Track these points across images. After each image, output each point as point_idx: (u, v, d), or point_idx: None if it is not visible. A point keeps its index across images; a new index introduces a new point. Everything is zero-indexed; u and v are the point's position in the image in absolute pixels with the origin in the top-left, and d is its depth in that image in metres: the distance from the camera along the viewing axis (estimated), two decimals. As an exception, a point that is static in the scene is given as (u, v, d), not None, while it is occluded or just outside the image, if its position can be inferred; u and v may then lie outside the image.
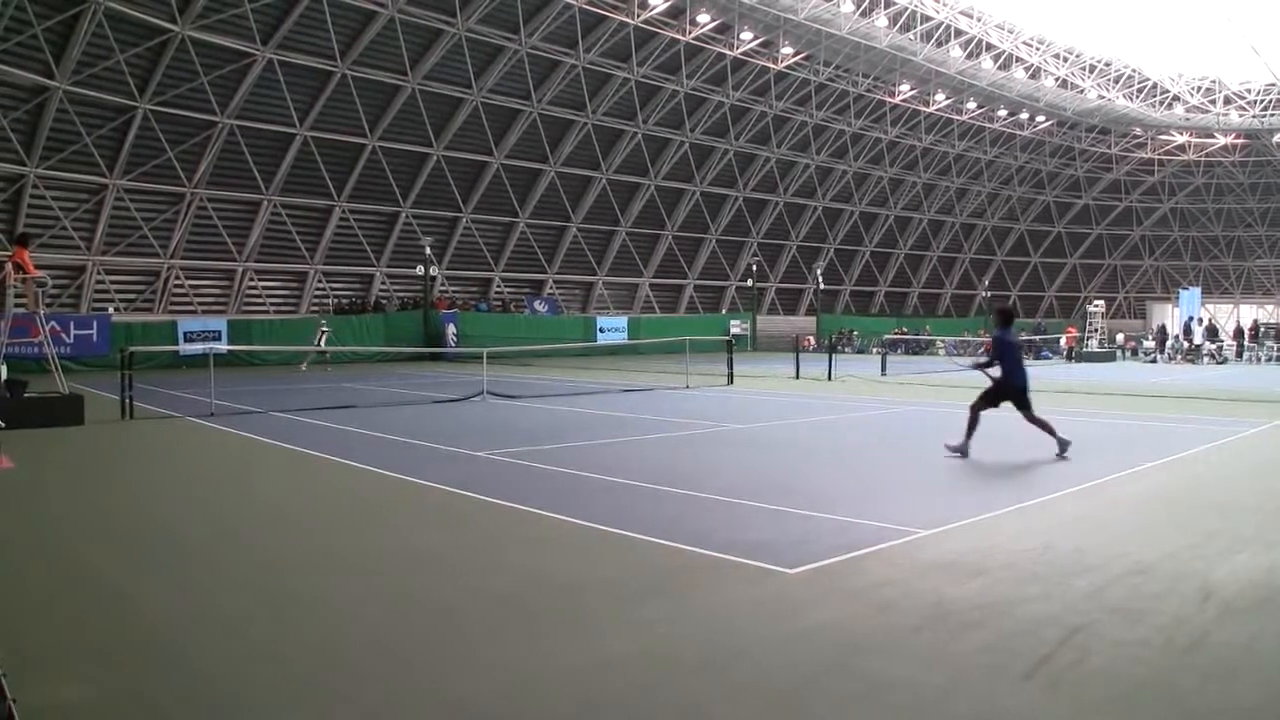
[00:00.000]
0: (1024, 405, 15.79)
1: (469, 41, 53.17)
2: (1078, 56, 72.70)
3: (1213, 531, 10.28)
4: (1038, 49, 70.33)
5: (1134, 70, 76.03)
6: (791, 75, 65.83)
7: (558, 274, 70.03)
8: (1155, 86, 77.76)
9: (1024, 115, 77.78)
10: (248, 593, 8.31)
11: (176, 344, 45.36)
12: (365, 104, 53.76)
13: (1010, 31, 67.79)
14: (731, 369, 34.68)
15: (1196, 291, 70.66)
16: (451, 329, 54.85)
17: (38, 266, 24.25)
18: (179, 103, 47.65)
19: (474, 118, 58.14)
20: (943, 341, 68.90)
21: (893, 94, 70.84)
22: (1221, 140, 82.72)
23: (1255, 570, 8.66)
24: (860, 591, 8.07)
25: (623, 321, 67.11)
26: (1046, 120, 79.43)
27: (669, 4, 55.47)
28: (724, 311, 77.38)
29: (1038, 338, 65.73)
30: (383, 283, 61.43)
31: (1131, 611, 7.40)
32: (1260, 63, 71.35)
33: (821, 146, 75.90)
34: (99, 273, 49.81)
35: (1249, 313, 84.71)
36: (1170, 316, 79.63)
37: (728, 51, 61.04)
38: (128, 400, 22.84)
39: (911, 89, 70.60)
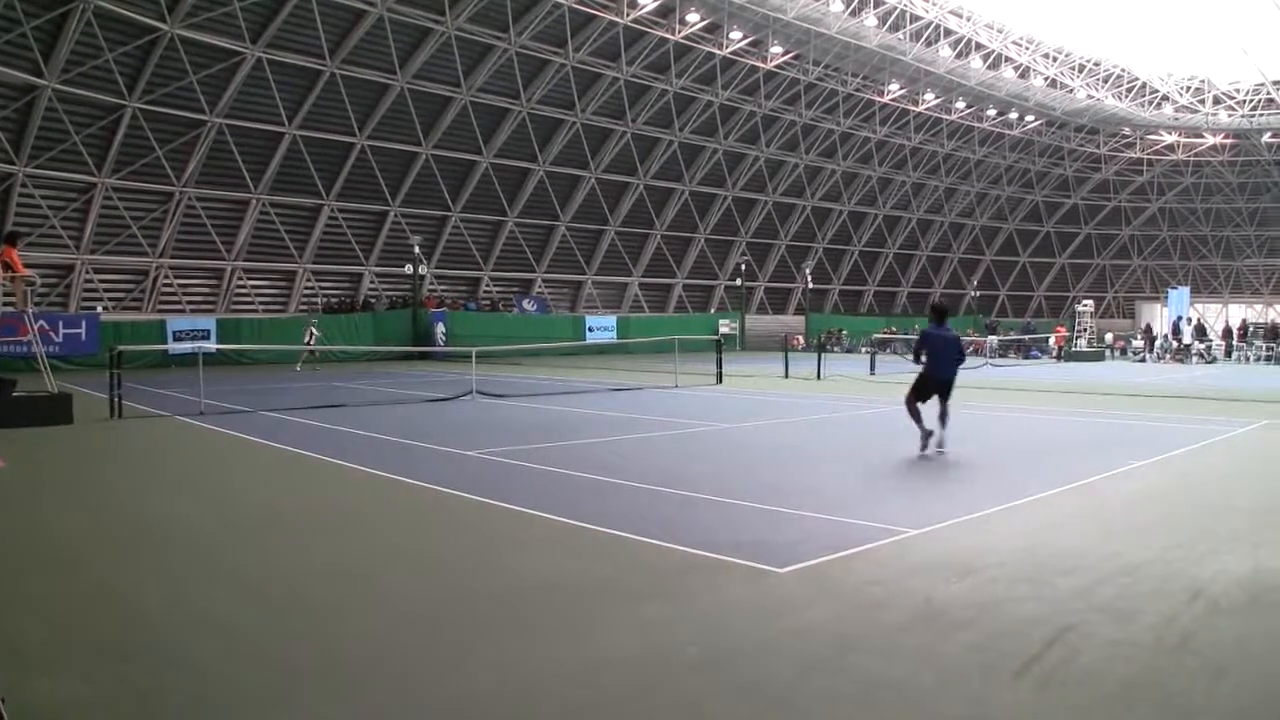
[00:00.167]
0: (944, 397, 16.01)
1: (458, 40, 53.11)
2: (1067, 56, 72.76)
3: (1201, 531, 10.32)
4: (1027, 48, 70.36)
5: (1123, 70, 76.12)
6: (780, 75, 65.81)
7: (546, 273, 70.01)
8: (1144, 86, 77.86)
9: (1013, 115, 77.84)
10: (240, 592, 8.31)
11: (165, 343, 45.29)
12: (354, 103, 53.69)
13: (999, 31, 67.82)
14: (720, 368, 34.66)
15: (1185, 291, 70.79)
16: (440, 328, 54.83)
17: (26, 265, 24.20)
18: (168, 101, 47.56)
19: (463, 117, 58.09)
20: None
21: (882, 93, 70.85)
22: (1210, 140, 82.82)
23: (1243, 570, 8.70)
24: (851, 591, 8.10)
25: (612, 321, 67.10)
26: (1035, 120, 79.49)
27: (658, 3, 55.40)
28: (713, 311, 77.36)
29: (1027, 337, 65.91)
30: (371, 282, 61.39)
31: (1120, 611, 7.43)
32: (1249, 63, 71.61)
33: (810, 146, 75.93)
34: (88, 271, 49.72)
35: (1238, 312, 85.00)
36: (1159, 316, 79.80)
37: (717, 51, 61.02)
38: (116, 399, 22.81)
39: (900, 88, 70.62)
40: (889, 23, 61.71)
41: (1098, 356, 57.45)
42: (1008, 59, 69.56)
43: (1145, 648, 6.62)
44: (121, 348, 25.97)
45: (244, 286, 56.37)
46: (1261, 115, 77.52)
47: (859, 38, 62.20)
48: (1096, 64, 74.47)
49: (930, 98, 72.82)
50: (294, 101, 51.88)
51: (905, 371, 40.18)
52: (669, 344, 39.16)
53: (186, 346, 43.15)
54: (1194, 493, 13.02)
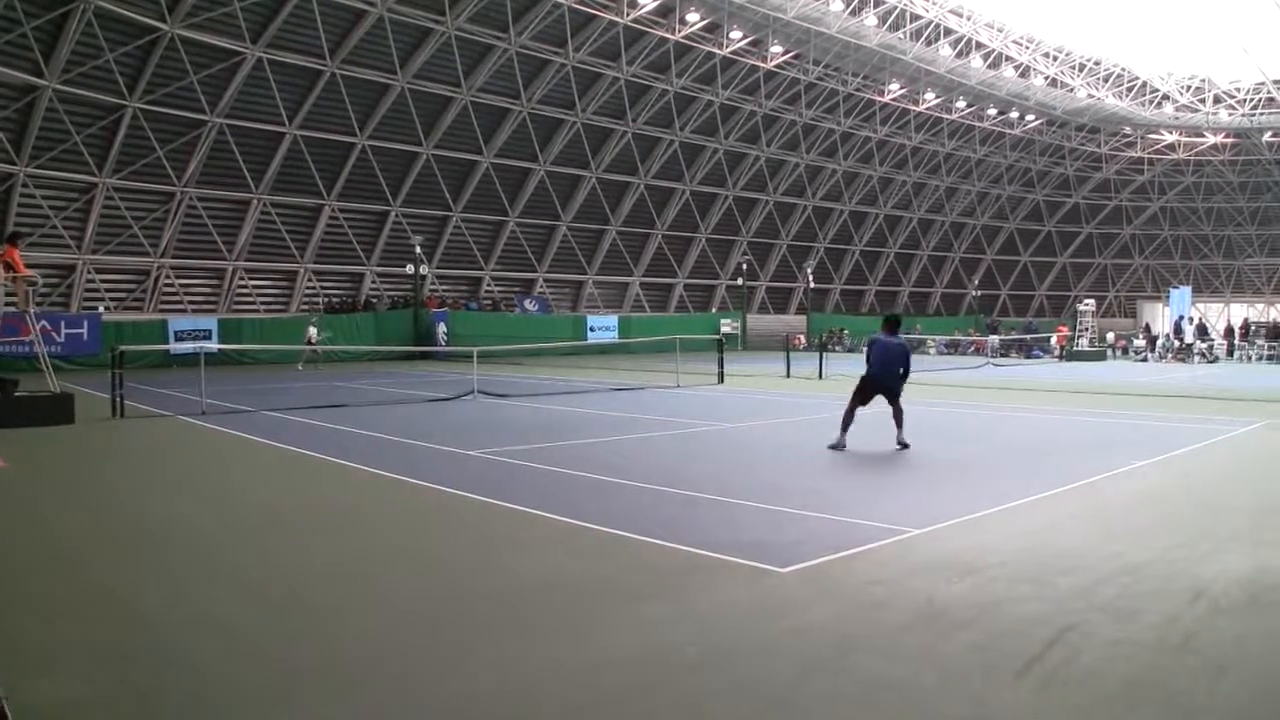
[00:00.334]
0: (893, 398, 16.66)
1: (458, 40, 53.11)
2: (1067, 55, 72.72)
3: (1202, 531, 10.32)
4: (1027, 48, 70.33)
5: (1123, 69, 76.09)
6: (781, 74, 65.78)
7: (548, 273, 70.00)
8: (1145, 85, 77.82)
9: (1013, 114, 77.79)
10: (241, 592, 8.32)
11: (167, 343, 45.37)
12: (355, 103, 53.69)
13: (1000, 30, 67.79)
14: (722, 368, 34.64)
15: (1187, 290, 70.81)
16: (442, 328, 54.83)
17: (28, 265, 24.22)
18: (169, 101, 47.57)
19: (463, 117, 58.09)
20: (933, 340, 68.95)
21: (882, 93, 70.80)
22: (1211, 139, 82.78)
23: (1244, 569, 8.70)
24: (851, 591, 8.11)
25: (613, 320, 67.11)
26: (1036, 119, 79.45)
27: (658, 3, 55.38)
28: (714, 310, 77.28)
29: (1028, 337, 65.87)
30: (373, 282, 61.39)
31: (1122, 610, 7.44)
32: (1250, 62, 71.62)
33: (811, 145, 75.90)
34: (89, 272, 49.75)
35: (1239, 311, 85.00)
36: (1161, 315, 79.82)
37: (717, 50, 60.99)
38: (118, 399, 22.85)
39: (901, 88, 70.58)
40: (889, 22, 61.70)
41: (1099, 356, 57.40)
42: (1008, 58, 69.54)
43: (1147, 647, 6.62)
44: (123, 348, 26.03)
45: (245, 286, 56.38)
46: (1262, 114, 77.49)
47: (859, 37, 62.19)
48: (1097, 63, 74.45)
49: (931, 97, 72.80)
50: (294, 101, 51.88)
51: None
52: (670, 344, 39.15)
53: (188, 346, 43.21)
54: (1195, 492, 13.02)
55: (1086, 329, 61.84)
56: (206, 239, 53.53)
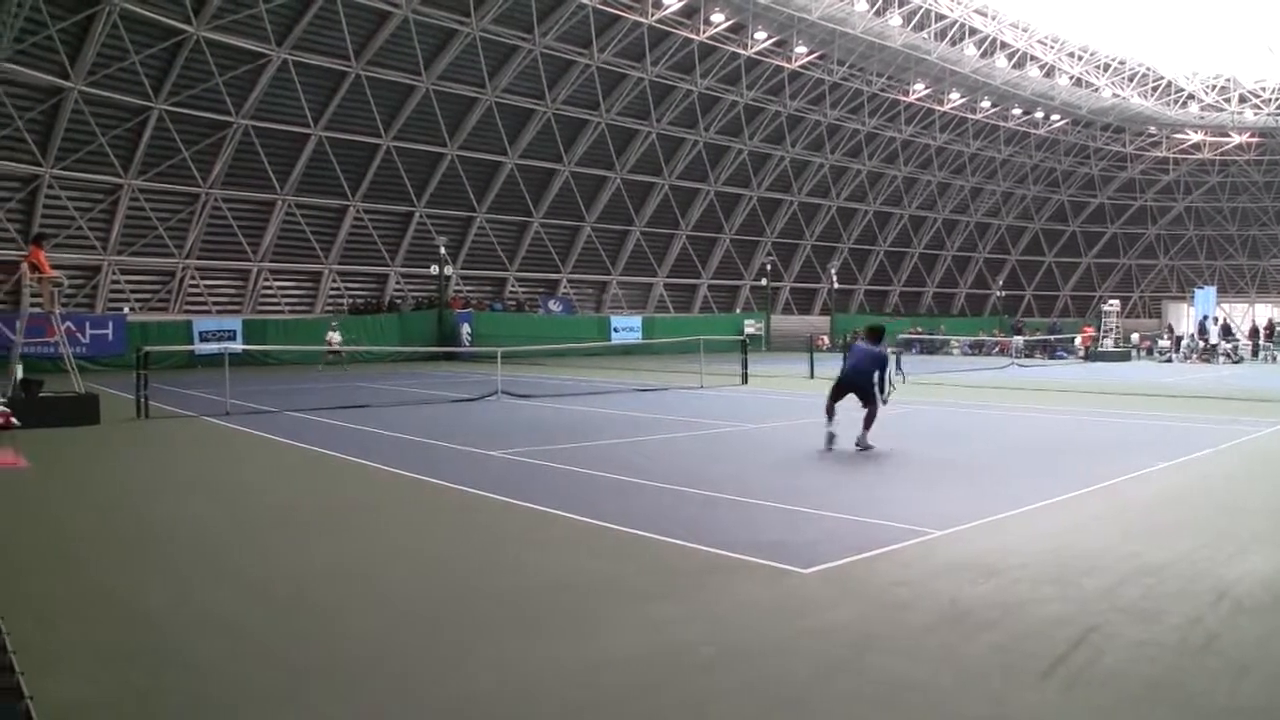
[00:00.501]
0: (865, 400, 17.00)
1: (483, 41, 53.19)
2: (1092, 55, 72.53)
3: (1225, 532, 10.27)
4: (1052, 47, 70.17)
5: (1148, 69, 75.83)
6: (805, 75, 65.72)
7: (572, 274, 70.04)
8: (1170, 85, 77.53)
9: (1038, 114, 77.60)
10: (247, 592, 8.37)
11: (192, 343, 45.54)
12: (379, 104, 53.80)
13: (1024, 30, 67.65)
14: (746, 369, 34.64)
15: (1212, 291, 70.51)
16: (466, 329, 54.90)
17: (53, 266, 24.35)
18: (194, 103, 47.74)
19: (488, 117, 58.17)
20: (958, 341, 68.83)
21: (907, 93, 70.69)
22: (1236, 139, 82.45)
23: (1268, 570, 8.66)
24: (874, 592, 8.10)
25: (637, 321, 67.14)
26: (1061, 119, 79.24)
27: (683, 4, 55.42)
28: (738, 311, 77.23)
29: (1052, 337, 65.69)
30: (397, 282, 61.49)
31: (1145, 611, 7.41)
32: (1275, 61, 71.25)
33: (835, 146, 75.78)
34: (114, 272, 49.95)
35: (1264, 312, 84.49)
36: (1185, 316, 79.52)
37: (741, 51, 60.97)
38: (143, 399, 22.95)
39: (925, 88, 70.45)
40: (913, 22, 61.60)
41: (1124, 357, 57.17)
42: (1033, 58, 69.40)
43: (1170, 648, 6.59)
44: (148, 348, 26.13)
45: (270, 287, 56.54)
46: (1288, 114, 77.22)
47: (883, 37, 62.14)
48: (1122, 63, 74.22)
49: (955, 97, 72.64)
50: (319, 103, 52.02)
51: (930, 372, 40.27)
52: (694, 344, 39.16)
53: (213, 347, 43.40)
54: (1218, 494, 12.96)
55: (1111, 330, 61.60)
56: (231, 240, 53.71)
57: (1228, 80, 78.30)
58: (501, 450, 16.51)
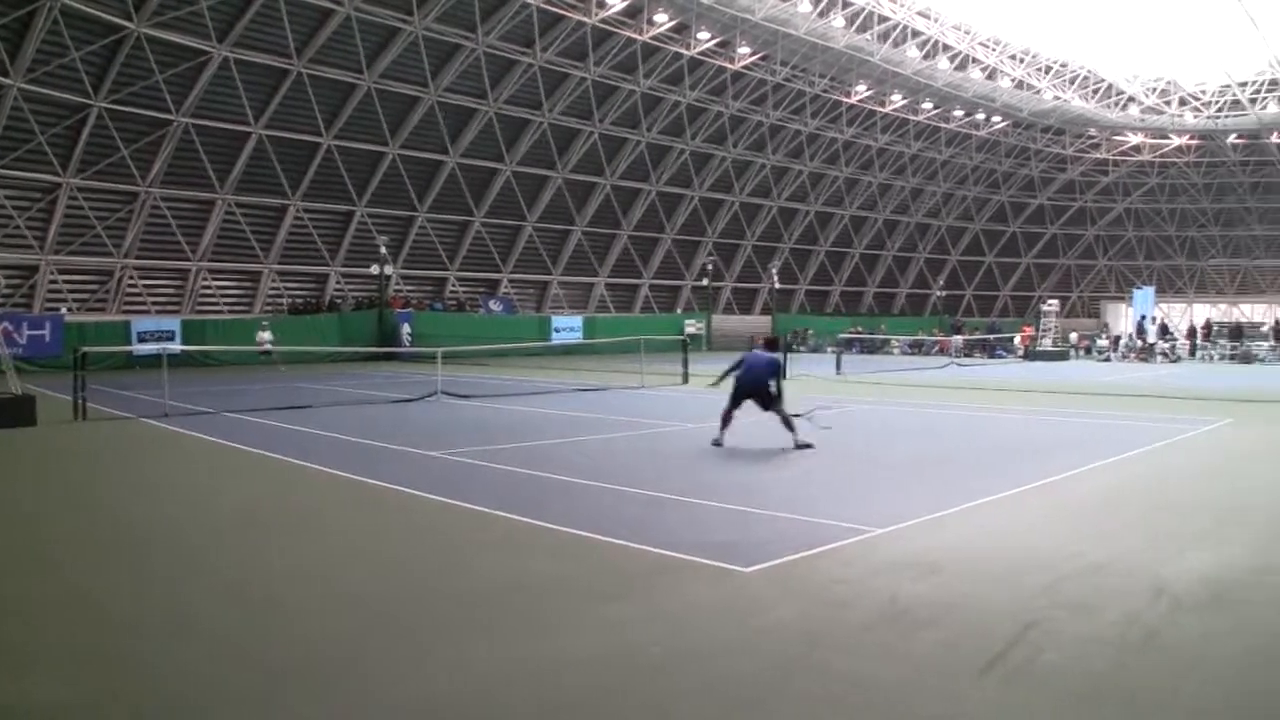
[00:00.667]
0: (765, 405, 17.39)
1: (425, 40, 52.92)
2: (1034, 57, 72.99)
3: (1165, 529, 10.37)
4: (994, 50, 70.53)
5: (1089, 71, 76.38)
6: (748, 75, 65.77)
7: (513, 273, 69.73)
8: (1110, 88, 78.19)
9: (980, 116, 78.03)
10: (207, 594, 8.25)
11: (130, 344, 44.96)
12: (320, 102, 53.41)
13: (967, 32, 67.96)
14: (687, 368, 34.62)
15: (1150, 291, 71.26)
16: (406, 328, 54.59)
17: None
18: (134, 101, 47.16)
19: (430, 116, 57.88)
20: (898, 341, 69.19)
21: (849, 94, 70.87)
22: (1176, 141, 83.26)
23: (1206, 568, 8.74)
24: (815, 590, 8.10)
25: (578, 321, 66.95)
26: (1002, 121, 79.74)
27: (626, 3, 55.28)
28: (679, 311, 77.22)
29: (992, 337, 66.14)
30: (337, 282, 61.04)
31: (1085, 608, 7.45)
32: (1215, 65, 72.00)
33: (777, 146, 75.93)
34: (52, 272, 49.33)
35: (1202, 312, 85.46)
36: (1124, 316, 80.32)
37: (685, 51, 60.94)
38: (81, 401, 22.68)
39: (868, 89, 70.66)
40: (856, 24, 61.74)
41: (1062, 356, 57.66)
42: (975, 60, 69.73)
43: (1110, 644, 6.63)
44: (86, 349, 25.74)
45: (209, 287, 55.99)
46: (1227, 117, 77.97)
47: (826, 38, 62.26)
48: (1063, 65, 74.76)
49: (897, 99, 72.95)
50: (260, 101, 51.58)
51: (870, 372, 40.48)
52: (635, 344, 39.14)
53: (151, 348, 42.83)
54: (1158, 491, 13.09)
55: (1050, 329, 62.10)
56: (170, 239, 53.13)
57: (1168, 83, 79.08)
58: (442, 451, 16.45)
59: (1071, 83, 75.86)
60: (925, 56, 66.93)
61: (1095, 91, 77.54)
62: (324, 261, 59.67)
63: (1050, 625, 7.01)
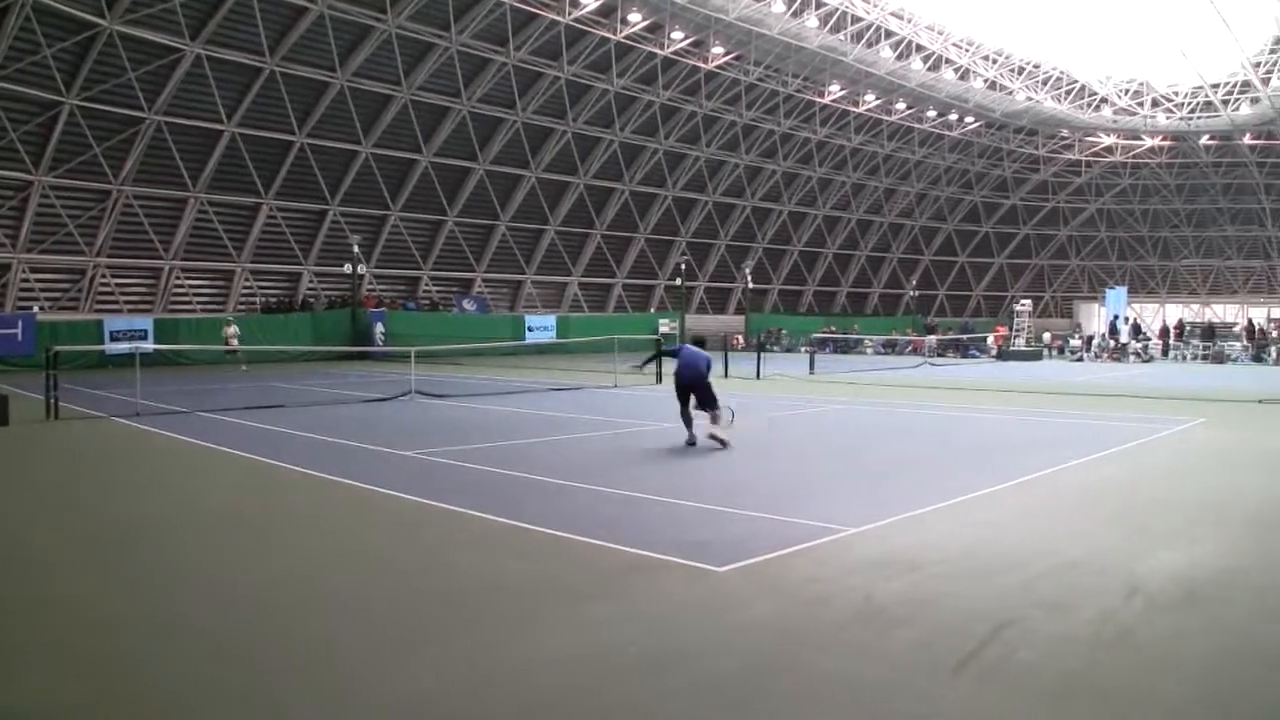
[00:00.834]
0: (702, 402, 17.69)
1: (399, 38, 52.77)
2: (1007, 58, 73.15)
3: (1138, 528, 10.42)
4: (967, 50, 70.66)
5: (1062, 72, 76.60)
6: (722, 75, 65.79)
7: (486, 273, 69.64)
8: (1083, 89, 78.43)
9: (953, 116, 78.19)
10: (184, 595, 8.22)
11: (102, 343, 44.73)
12: (294, 101, 53.22)
13: (940, 33, 68.06)
14: (660, 368, 34.58)
15: (1123, 291, 71.57)
16: (379, 328, 54.43)
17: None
18: (106, 98, 46.89)
19: (403, 115, 57.73)
20: (871, 340, 69.31)
21: (822, 94, 70.96)
22: (1149, 142, 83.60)
23: (1179, 566, 8.79)
24: (790, 589, 8.12)
25: (551, 320, 66.86)
26: (975, 121, 79.98)
27: (600, 3, 55.23)
28: (653, 310, 77.25)
29: (965, 336, 66.30)
30: (310, 281, 60.86)
31: (1059, 606, 7.49)
32: (1188, 66, 72.25)
33: (751, 146, 75.99)
34: (24, 271, 49.03)
35: (1175, 312, 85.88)
36: (1097, 316, 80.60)
37: (658, 51, 60.92)
38: (53, 400, 22.54)
39: (841, 89, 70.76)
40: (830, 24, 61.79)
41: (1035, 356, 57.88)
42: (948, 61, 69.86)
43: (1083, 642, 6.66)
44: (58, 348, 25.64)
45: (182, 286, 55.75)
46: (1199, 118, 78.30)
47: (800, 39, 62.31)
48: (1036, 66, 74.95)
49: (871, 99, 73.06)
50: (233, 99, 51.36)
51: (843, 371, 40.54)
52: (609, 344, 39.09)
53: (124, 347, 42.62)
54: (1131, 490, 13.14)
55: (1023, 329, 62.32)
56: (143, 238, 52.88)
57: (1141, 84, 79.31)
58: (416, 450, 16.43)
59: (1044, 84, 76.09)
60: (899, 57, 67.03)
61: (1068, 93, 77.78)
62: (297, 260, 59.45)
63: (1025, 623, 7.04)
